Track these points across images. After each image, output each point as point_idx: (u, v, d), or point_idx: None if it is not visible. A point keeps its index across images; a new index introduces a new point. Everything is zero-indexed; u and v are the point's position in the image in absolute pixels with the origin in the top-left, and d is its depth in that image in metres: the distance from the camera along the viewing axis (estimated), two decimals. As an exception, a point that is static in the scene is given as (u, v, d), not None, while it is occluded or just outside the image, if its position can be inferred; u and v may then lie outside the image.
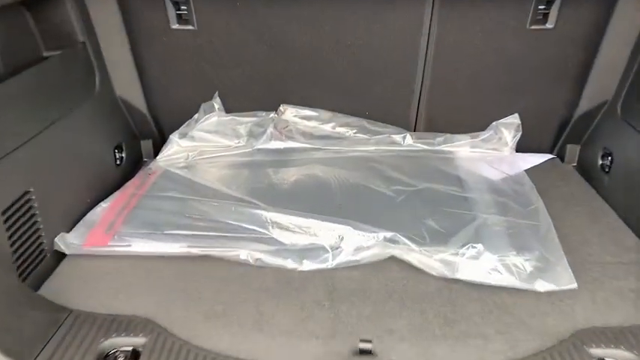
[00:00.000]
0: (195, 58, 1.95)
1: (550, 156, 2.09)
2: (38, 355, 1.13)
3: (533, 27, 1.84)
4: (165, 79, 1.99)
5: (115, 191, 1.77)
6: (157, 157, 1.99)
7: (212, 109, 2.04)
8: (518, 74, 1.96)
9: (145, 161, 2.11)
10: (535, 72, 1.95)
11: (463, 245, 1.47)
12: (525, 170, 1.96)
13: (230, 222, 1.58)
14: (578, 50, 1.87)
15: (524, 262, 1.41)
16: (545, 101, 2.01)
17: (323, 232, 1.53)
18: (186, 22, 1.87)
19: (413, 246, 1.48)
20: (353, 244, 1.49)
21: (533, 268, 1.39)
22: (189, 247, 1.49)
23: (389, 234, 1.49)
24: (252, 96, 2.06)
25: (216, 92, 2.03)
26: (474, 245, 1.46)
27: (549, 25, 1.83)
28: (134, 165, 2.04)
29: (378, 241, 1.49)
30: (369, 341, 1.17)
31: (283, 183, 1.86)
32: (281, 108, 2.08)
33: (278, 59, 1.96)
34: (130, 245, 1.52)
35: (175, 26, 1.87)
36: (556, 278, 1.37)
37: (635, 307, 1.31)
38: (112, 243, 1.52)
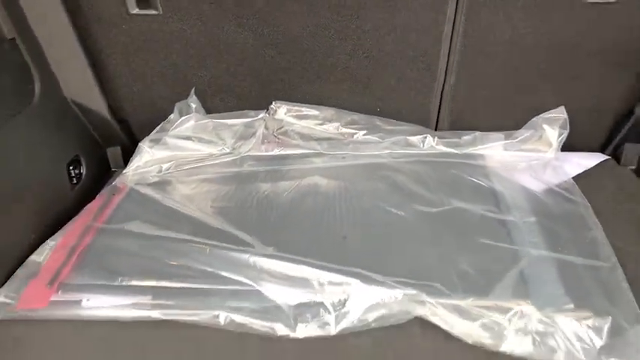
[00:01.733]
0: (164, 50, 1.58)
1: (603, 157, 1.70)
2: None
3: (591, 0, 1.43)
4: (129, 75, 1.63)
5: (69, 221, 1.44)
6: (125, 170, 1.65)
7: (189, 110, 1.68)
8: (568, 59, 1.56)
9: (114, 171, 1.77)
10: (589, 56, 1.55)
11: (507, 299, 1.13)
12: (574, 177, 1.59)
13: (205, 269, 1.24)
14: (649, 29, 1.47)
15: (590, 330, 1.06)
16: (599, 91, 1.62)
17: (324, 285, 1.18)
18: (148, 5, 1.49)
19: (442, 302, 1.13)
20: (363, 302, 1.14)
21: (603, 342, 1.04)
22: (151, 307, 1.16)
23: (410, 290, 1.14)
24: (238, 93, 1.69)
25: (192, 89, 1.66)
26: (521, 301, 1.12)
27: (613, -2, 1.42)
28: (99, 178, 1.70)
29: (396, 298, 1.14)
30: None
31: (276, 203, 1.50)
32: (273, 106, 1.70)
33: (267, 48, 1.57)
34: (79, 302, 1.19)
35: (135, 11, 1.49)
36: (636, 357, 1.02)
37: None
38: (56, 299, 1.20)
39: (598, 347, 1.03)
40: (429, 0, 1.47)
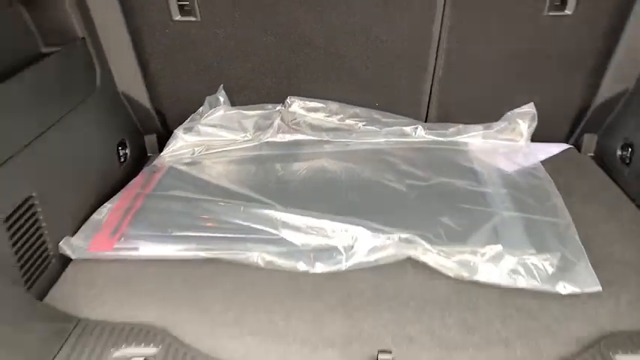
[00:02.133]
0: (199, 51, 1.88)
1: (566, 146, 2.02)
2: None
3: (550, 13, 1.75)
4: (168, 72, 1.93)
5: (120, 190, 1.73)
6: (162, 153, 1.94)
7: (217, 103, 1.98)
8: (535, 62, 1.88)
9: (150, 156, 2.06)
10: (552, 60, 1.87)
11: (481, 245, 1.42)
12: (541, 161, 1.90)
13: (239, 222, 1.53)
14: (598, 37, 1.79)
15: (545, 263, 1.36)
16: (562, 90, 1.94)
17: (335, 232, 1.48)
18: (189, 13, 1.79)
19: (429, 246, 1.42)
20: (367, 245, 1.43)
21: (554, 270, 1.34)
22: (197, 249, 1.45)
23: (405, 235, 1.44)
24: (259, 88, 1.99)
25: (221, 85, 1.96)
26: (493, 245, 1.41)
27: (568, 11, 1.74)
28: (138, 161, 2.00)
29: (393, 241, 1.44)
30: (389, 352, 1.12)
31: (292, 179, 1.80)
32: (288, 100, 2.01)
33: (285, 50, 1.88)
34: (137, 249, 1.47)
35: (178, 18, 1.80)
36: (578, 280, 1.32)
37: (662, 309, 1.27)
38: (118, 246, 1.48)
39: (550, 273, 1.33)
40: (421, 13, 1.78)
